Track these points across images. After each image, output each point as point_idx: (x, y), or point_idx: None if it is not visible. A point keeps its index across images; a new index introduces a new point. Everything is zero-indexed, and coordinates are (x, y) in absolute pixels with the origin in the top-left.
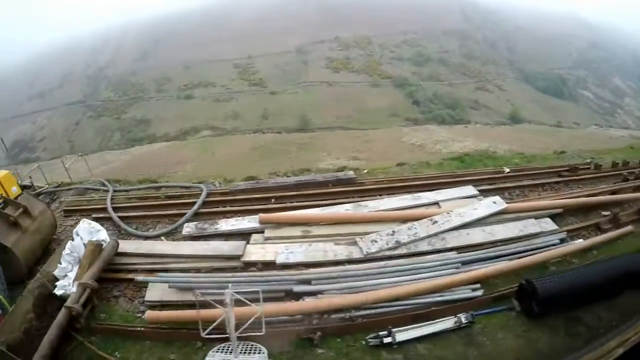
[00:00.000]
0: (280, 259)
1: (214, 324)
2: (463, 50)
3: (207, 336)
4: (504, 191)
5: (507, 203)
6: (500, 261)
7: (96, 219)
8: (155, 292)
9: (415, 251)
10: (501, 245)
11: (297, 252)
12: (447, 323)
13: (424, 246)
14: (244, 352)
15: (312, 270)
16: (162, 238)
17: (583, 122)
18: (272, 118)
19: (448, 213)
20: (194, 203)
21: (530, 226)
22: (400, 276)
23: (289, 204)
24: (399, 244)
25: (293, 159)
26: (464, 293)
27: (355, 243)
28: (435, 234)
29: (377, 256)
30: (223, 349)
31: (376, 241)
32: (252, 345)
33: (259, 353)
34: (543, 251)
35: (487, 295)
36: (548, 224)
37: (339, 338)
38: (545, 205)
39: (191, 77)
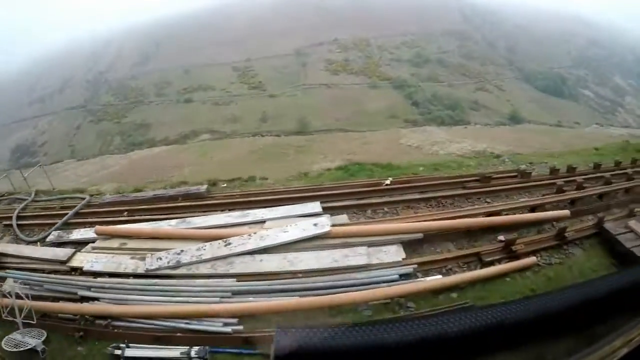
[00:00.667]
0: (86, 267)
1: (7, 310)
2: (462, 50)
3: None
4: (368, 208)
5: (349, 224)
6: (291, 296)
7: (6, 226)
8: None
9: (195, 273)
10: (304, 276)
11: (100, 262)
12: (175, 352)
13: (205, 269)
14: (29, 335)
15: (99, 279)
16: (38, 243)
17: (584, 122)
18: (271, 121)
19: (250, 235)
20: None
21: (353, 256)
22: (160, 295)
23: (137, 217)
24: (179, 264)
25: (290, 161)
26: (212, 325)
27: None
28: (224, 257)
29: (157, 273)
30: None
31: (161, 258)
32: (38, 330)
33: (38, 336)
34: (365, 288)
35: (239, 333)
36: (389, 254)
37: (97, 341)
38: (383, 230)
39: (191, 81)
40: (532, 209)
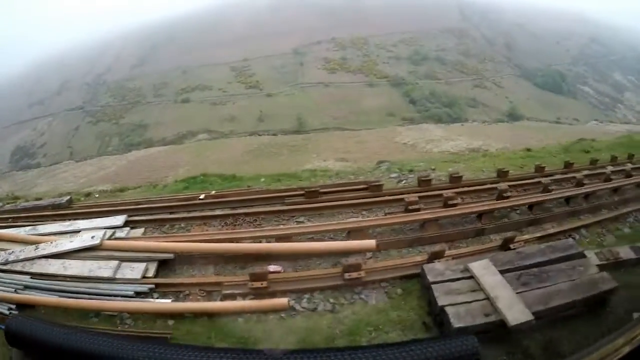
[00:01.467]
0: None
1: None
2: (460, 48)
3: None
4: (168, 223)
5: (129, 238)
6: (53, 295)
7: None
8: None
9: (13, 269)
10: (70, 280)
11: None
12: None
13: (19, 267)
14: None
15: None
16: None
17: (583, 118)
18: (268, 120)
19: (52, 242)
20: None
21: (104, 269)
22: None
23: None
24: (7, 262)
25: (283, 161)
26: None
27: None
28: (31, 259)
29: None
30: None
31: None
32: None
33: None
34: (103, 299)
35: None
36: (135, 271)
37: None
38: (142, 247)
39: (188, 81)
40: (349, 232)
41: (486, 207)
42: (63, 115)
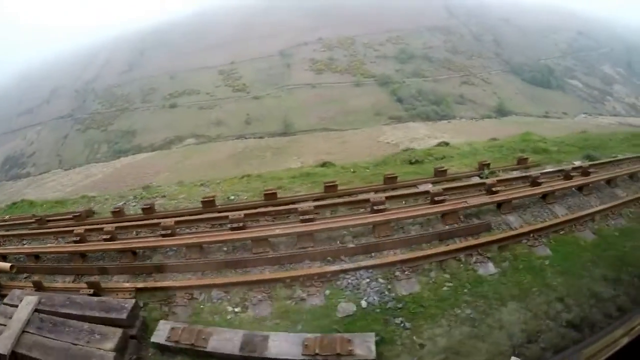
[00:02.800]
0: None
1: None
2: (448, 45)
3: None
4: None
5: None
6: None
7: None
8: None
9: None
10: None
11: None
12: None
13: None
14: None
15: None
16: None
17: (572, 112)
18: (255, 123)
19: None
20: None
21: None
22: None
23: None
24: None
25: (266, 163)
26: None
27: None
28: None
29: None
30: None
31: None
32: None
33: None
34: None
35: None
36: None
37: None
38: None
39: (176, 86)
40: None
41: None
42: (52, 123)
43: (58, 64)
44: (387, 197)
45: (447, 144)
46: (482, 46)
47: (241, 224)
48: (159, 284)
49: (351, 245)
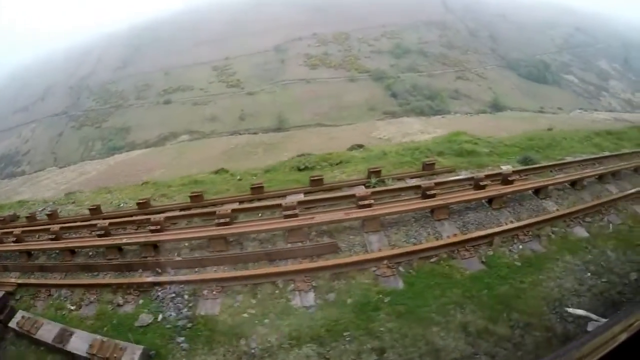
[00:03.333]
0: None
1: None
2: (443, 40)
3: None
4: None
5: None
6: None
7: None
8: None
9: None
10: None
11: None
12: None
13: None
14: None
15: None
16: None
17: (567, 107)
18: (249, 119)
19: None
20: None
21: None
22: None
23: None
24: None
25: (257, 160)
26: None
27: None
28: None
29: None
30: None
31: None
32: None
33: None
34: None
35: None
36: None
37: None
38: None
39: (170, 82)
40: None
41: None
42: (47, 121)
43: (52, 61)
44: (238, 210)
45: (360, 146)
46: (478, 41)
47: (104, 232)
48: (31, 281)
49: (178, 259)
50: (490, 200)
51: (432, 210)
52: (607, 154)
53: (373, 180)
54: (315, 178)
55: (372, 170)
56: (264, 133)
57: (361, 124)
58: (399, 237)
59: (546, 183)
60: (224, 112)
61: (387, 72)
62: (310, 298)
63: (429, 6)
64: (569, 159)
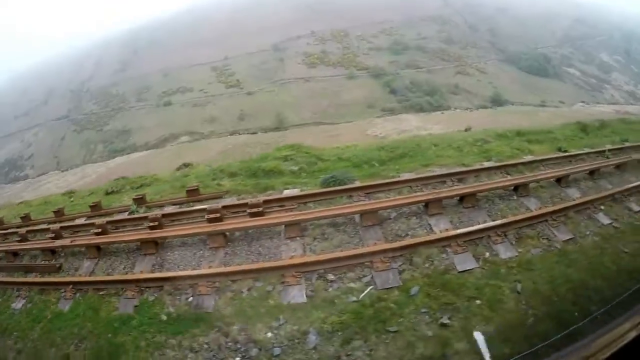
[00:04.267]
0: None
1: None
2: (442, 35)
3: None
4: None
5: None
6: None
7: None
8: None
9: None
10: None
11: None
12: None
13: None
14: None
15: None
16: None
17: (569, 100)
18: (249, 119)
19: None
20: None
21: None
22: None
23: None
24: None
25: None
26: None
27: None
28: None
29: None
30: None
31: None
32: None
33: None
34: None
35: None
36: None
37: None
38: None
39: (170, 84)
40: None
41: None
42: (49, 125)
43: (52, 65)
44: None
45: (187, 165)
46: (477, 35)
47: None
48: None
49: None
50: (223, 234)
51: (155, 242)
52: (476, 167)
53: (133, 206)
54: (94, 204)
55: (136, 197)
56: (262, 132)
57: (359, 122)
58: (104, 268)
59: (296, 218)
60: (224, 113)
61: (386, 69)
62: None
63: (428, 1)
64: (406, 176)
